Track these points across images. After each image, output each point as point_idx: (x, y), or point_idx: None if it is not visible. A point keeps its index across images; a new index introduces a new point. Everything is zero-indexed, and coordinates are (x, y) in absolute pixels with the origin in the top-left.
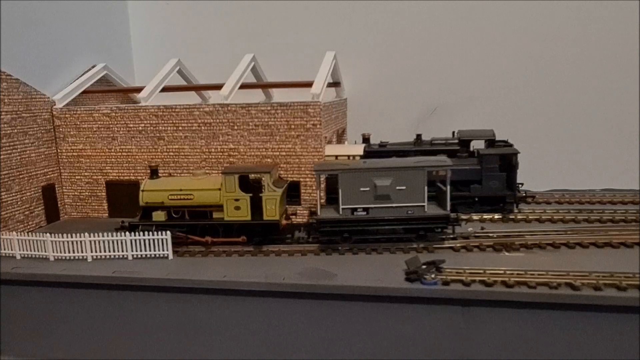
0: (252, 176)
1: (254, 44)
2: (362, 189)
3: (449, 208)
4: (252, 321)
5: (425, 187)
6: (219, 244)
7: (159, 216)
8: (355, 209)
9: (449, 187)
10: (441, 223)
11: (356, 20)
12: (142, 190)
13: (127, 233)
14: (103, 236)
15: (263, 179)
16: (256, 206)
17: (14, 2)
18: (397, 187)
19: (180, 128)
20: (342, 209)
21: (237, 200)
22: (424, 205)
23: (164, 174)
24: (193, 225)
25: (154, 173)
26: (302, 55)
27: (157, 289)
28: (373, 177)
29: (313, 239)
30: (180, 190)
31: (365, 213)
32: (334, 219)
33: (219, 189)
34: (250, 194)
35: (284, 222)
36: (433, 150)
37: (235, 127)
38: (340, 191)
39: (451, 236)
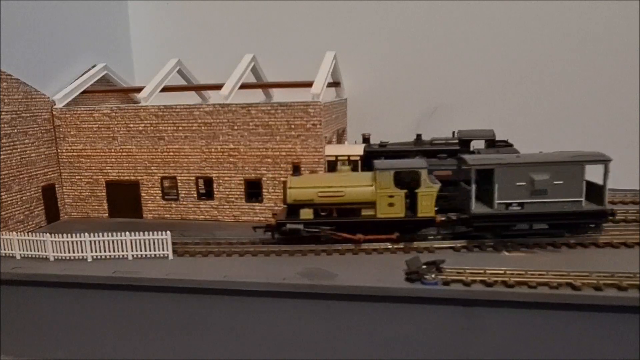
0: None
1: (254, 44)
2: (518, 183)
3: (605, 203)
4: (252, 321)
5: (584, 182)
6: (369, 241)
7: (307, 214)
8: (509, 204)
9: (607, 181)
10: (597, 218)
11: (356, 20)
12: (290, 188)
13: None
14: (103, 236)
15: (420, 174)
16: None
17: (14, 2)
18: (555, 182)
19: (180, 128)
20: (497, 203)
21: (391, 196)
22: (581, 201)
23: (163, 174)
24: (342, 223)
25: (296, 170)
26: (302, 55)
27: (157, 289)
28: (530, 172)
29: (457, 235)
30: (330, 187)
31: (520, 208)
32: (488, 214)
33: (371, 185)
34: (405, 190)
35: (439, 218)
36: (433, 150)
37: (236, 127)
38: (496, 185)
39: (599, 231)
